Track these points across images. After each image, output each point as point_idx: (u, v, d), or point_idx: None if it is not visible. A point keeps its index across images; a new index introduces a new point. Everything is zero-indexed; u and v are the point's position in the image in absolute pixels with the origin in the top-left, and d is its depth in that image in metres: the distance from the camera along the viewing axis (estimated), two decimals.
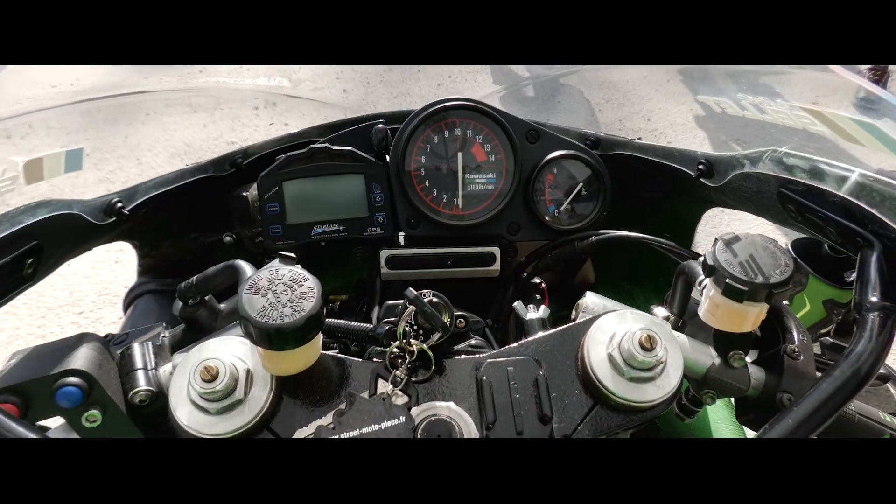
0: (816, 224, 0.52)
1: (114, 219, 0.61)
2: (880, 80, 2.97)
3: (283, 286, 0.38)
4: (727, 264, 0.42)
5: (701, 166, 0.63)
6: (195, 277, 0.54)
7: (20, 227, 0.51)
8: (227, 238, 0.69)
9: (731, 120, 0.62)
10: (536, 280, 0.63)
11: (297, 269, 0.39)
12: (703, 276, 0.45)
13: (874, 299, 0.42)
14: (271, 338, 0.37)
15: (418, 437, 0.38)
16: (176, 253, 0.72)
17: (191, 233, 0.71)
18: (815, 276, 1.62)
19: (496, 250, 0.63)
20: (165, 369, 0.45)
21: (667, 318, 0.50)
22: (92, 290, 2.02)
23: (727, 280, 0.42)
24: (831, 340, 1.40)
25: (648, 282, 0.67)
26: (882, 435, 0.48)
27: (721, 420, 0.71)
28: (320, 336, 0.40)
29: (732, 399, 0.50)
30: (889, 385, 0.58)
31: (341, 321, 0.47)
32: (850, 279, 1.64)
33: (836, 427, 0.47)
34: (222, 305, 0.55)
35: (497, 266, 0.63)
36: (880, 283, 0.43)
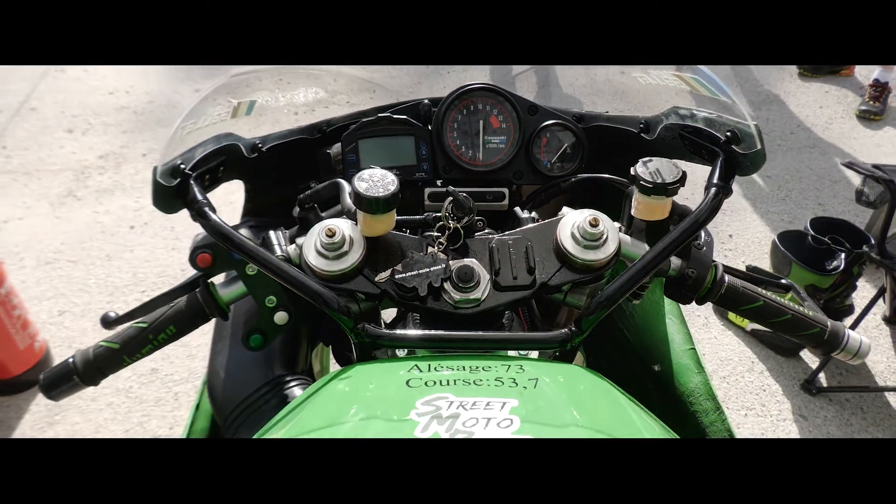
0: (699, 152, 0.74)
1: (255, 155, 0.82)
2: (880, 97, 3.13)
3: (376, 178, 0.60)
4: (642, 173, 0.63)
5: (641, 125, 0.84)
6: (309, 191, 0.76)
7: (221, 145, 0.74)
8: (314, 185, 0.91)
9: (662, 91, 0.82)
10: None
11: (383, 170, 0.61)
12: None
13: (714, 181, 0.65)
14: (371, 204, 0.58)
15: (453, 276, 0.59)
16: (272, 199, 0.93)
17: (285, 182, 0.93)
18: (797, 264, 1.81)
19: (505, 190, 0.85)
20: (290, 247, 0.67)
21: (619, 229, 0.71)
22: (152, 272, 2.26)
23: (640, 182, 0.63)
24: (755, 266, 1.60)
25: None
26: (757, 301, 0.68)
27: (658, 300, 0.91)
28: (395, 212, 0.62)
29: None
30: (791, 293, 0.77)
31: (404, 217, 0.69)
32: (831, 266, 1.82)
33: (726, 296, 0.68)
34: (323, 213, 0.77)
35: (506, 202, 0.85)
36: (719, 174, 0.66)
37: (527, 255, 0.62)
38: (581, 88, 1.09)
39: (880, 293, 1.76)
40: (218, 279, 0.69)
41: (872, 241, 1.66)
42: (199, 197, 0.64)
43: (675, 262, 0.67)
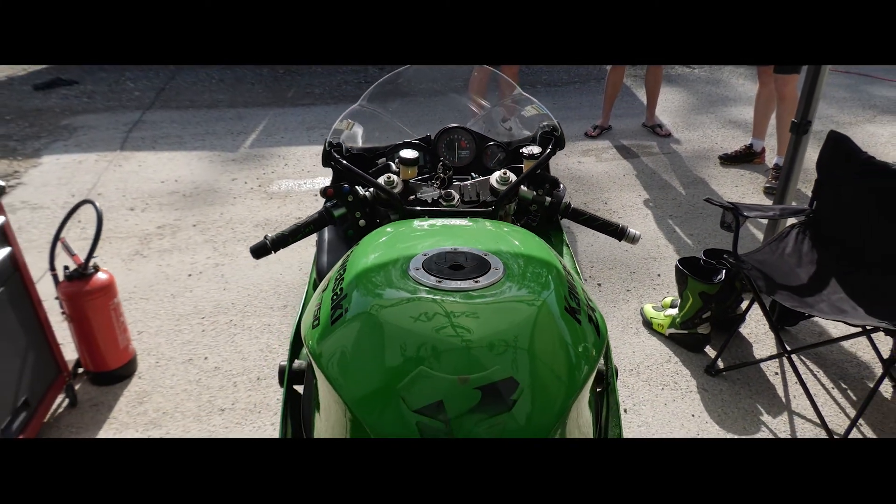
0: (548, 140, 1.42)
1: (347, 154, 1.48)
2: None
3: (408, 152, 1.28)
4: (524, 151, 1.32)
5: (533, 139, 1.53)
6: (374, 168, 1.43)
7: (339, 141, 1.41)
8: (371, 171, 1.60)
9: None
10: None
11: (411, 149, 1.30)
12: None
13: (548, 150, 1.34)
14: (406, 160, 1.26)
15: (442, 196, 1.26)
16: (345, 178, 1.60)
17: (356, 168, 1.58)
18: (691, 277, 2.49)
19: (469, 176, 1.54)
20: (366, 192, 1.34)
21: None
22: (209, 305, 2.88)
23: (524, 155, 1.33)
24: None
25: None
26: (585, 216, 1.35)
27: (564, 252, 1.56)
28: (417, 168, 1.29)
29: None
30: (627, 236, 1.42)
31: (420, 176, 1.36)
32: (717, 280, 2.50)
33: (571, 214, 1.34)
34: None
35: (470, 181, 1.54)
36: (552, 146, 1.34)
37: (476, 190, 1.31)
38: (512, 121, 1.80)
39: (753, 299, 2.42)
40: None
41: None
42: (336, 156, 1.33)
43: (547, 198, 1.35)
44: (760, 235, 3.41)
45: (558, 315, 0.82)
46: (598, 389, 1.19)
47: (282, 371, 1.18)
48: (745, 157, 4.33)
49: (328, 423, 0.84)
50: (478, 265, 0.88)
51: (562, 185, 1.37)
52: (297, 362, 1.18)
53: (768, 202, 3.83)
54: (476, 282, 0.83)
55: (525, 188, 1.35)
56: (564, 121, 5.14)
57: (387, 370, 0.74)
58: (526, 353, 0.74)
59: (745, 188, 4.04)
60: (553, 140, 1.39)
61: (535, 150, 1.34)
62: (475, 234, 1.00)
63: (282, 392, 1.20)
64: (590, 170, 4.32)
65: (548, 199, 1.34)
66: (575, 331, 0.82)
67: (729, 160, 4.35)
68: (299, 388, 1.22)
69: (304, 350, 1.31)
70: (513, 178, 1.30)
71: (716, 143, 4.71)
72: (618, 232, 1.34)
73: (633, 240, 1.34)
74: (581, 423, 0.84)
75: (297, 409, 1.20)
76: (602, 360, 1.26)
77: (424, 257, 0.89)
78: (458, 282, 0.83)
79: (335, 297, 0.87)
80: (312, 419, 0.94)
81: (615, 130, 4.94)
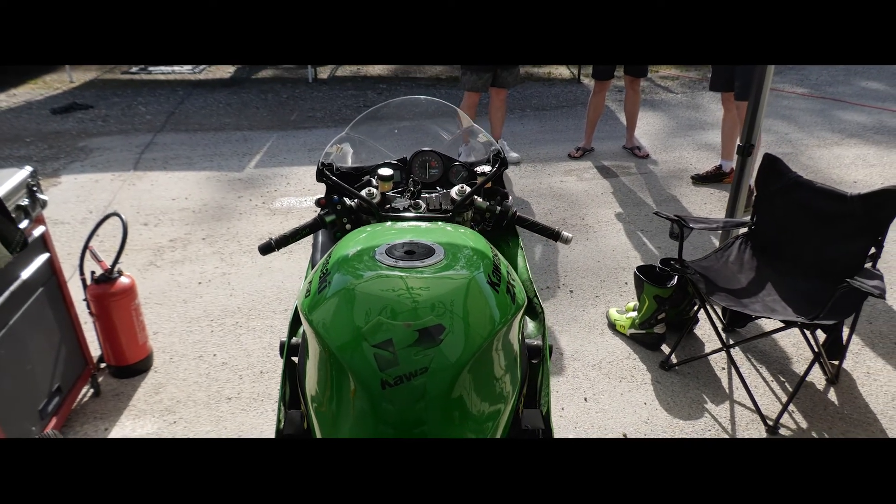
0: (496, 161, 1.74)
1: (337, 172, 1.79)
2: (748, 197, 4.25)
3: (385, 171, 1.60)
4: (479, 171, 1.65)
5: (487, 160, 1.85)
6: (358, 183, 1.75)
7: (329, 161, 1.71)
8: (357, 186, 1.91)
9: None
10: None
11: (388, 168, 1.61)
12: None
13: (493, 169, 1.66)
14: (383, 177, 1.57)
15: (412, 204, 1.57)
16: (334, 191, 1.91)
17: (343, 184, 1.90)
18: (647, 282, 2.80)
19: (436, 189, 1.85)
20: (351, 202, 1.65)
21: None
22: (217, 309, 3.18)
23: (479, 174, 1.64)
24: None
25: None
26: (528, 222, 1.65)
27: (515, 252, 1.86)
28: (392, 182, 1.60)
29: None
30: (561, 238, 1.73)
31: (395, 190, 1.68)
32: (669, 285, 2.81)
33: (518, 222, 1.65)
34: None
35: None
36: (497, 167, 1.65)
37: (440, 201, 1.62)
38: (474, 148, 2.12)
39: (702, 304, 2.73)
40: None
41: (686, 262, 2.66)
42: (327, 173, 1.65)
43: (498, 207, 1.66)
44: (711, 246, 3.71)
45: (481, 285, 1.13)
46: (534, 361, 1.49)
47: (282, 345, 1.48)
48: (715, 177, 4.66)
49: (315, 367, 1.14)
50: (426, 251, 1.19)
51: (510, 198, 1.69)
52: (294, 339, 1.48)
53: None
54: (423, 262, 1.14)
55: (480, 199, 1.67)
56: (550, 143, 5.50)
57: (356, 322, 1.04)
58: (453, 309, 1.05)
59: (713, 205, 4.36)
60: (499, 161, 1.71)
61: (486, 168, 1.66)
62: (429, 232, 1.32)
63: (282, 361, 1.51)
64: (571, 188, 4.65)
65: (498, 208, 1.66)
66: (493, 296, 1.13)
67: (700, 180, 4.68)
68: (294, 359, 1.52)
69: (300, 329, 1.62)
70: (467, 190, 1.62)
71: (690, 164, 5.05)
72: (553, 234, 1.65)
73: (566, 241, 1.65)
74: (497, 364, 1.14)
75: (294, 374, 1.51)
76: (540, 338, 1.57)
77: (388, 246, 1.21)
78: (410, 262, 1.14)
79: (323, 275, 1.18)
80: (304, 368, 1.25)
81: (597, 152, 5.28)
